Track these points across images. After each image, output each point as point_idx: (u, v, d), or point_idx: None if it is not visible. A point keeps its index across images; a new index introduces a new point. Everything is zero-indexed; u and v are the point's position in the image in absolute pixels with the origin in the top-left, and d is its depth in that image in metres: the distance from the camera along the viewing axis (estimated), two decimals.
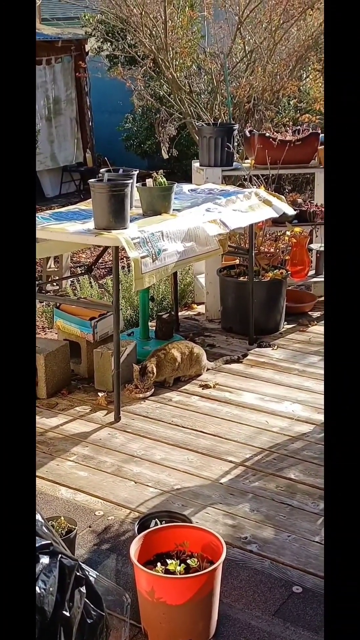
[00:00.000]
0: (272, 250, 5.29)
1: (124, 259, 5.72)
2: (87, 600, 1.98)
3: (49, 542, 1.96)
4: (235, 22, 6.89)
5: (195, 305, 5.86)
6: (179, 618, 2.43)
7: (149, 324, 4.98)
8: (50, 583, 1.85)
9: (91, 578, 2.11)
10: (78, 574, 1.91)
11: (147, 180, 4.22)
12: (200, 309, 5.75)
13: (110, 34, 9.07)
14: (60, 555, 1.92)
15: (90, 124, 12.10)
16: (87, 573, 1.99)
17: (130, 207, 3.97)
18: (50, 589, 1.84)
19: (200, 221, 4.21)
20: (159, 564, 2.50)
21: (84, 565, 2.08)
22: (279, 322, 5.24)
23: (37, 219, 4.12)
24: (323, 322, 5.35)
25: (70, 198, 10.91)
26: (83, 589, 1.95)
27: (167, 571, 2.45)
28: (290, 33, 7.09)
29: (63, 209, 4.57)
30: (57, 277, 6.31)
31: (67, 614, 1.91)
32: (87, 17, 10.60)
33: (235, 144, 5.43)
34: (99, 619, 2.04)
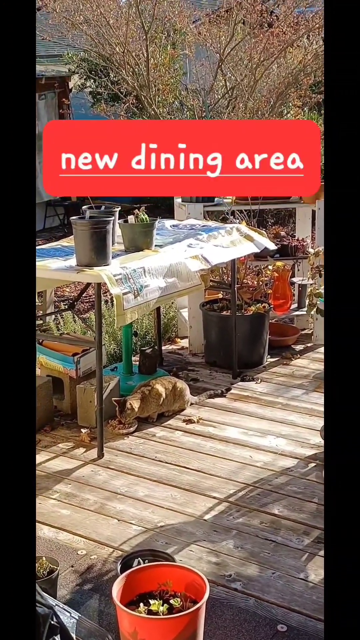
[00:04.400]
0: (254, 284, 5.32)
1: (107, 292, 5.73)
2: None
3: None
4: (217, 60, 7.01)
5: (178, 340, 5.86)
6: None
7: (133, 358, 4.97)
8: None
9: (72, 620, 2.08)
10: (52, 622, 1.87)
11: (129, 216, 4.25)
12: (184, 343, 5.75)
13: (93, 72, 9.18)
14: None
15: None
16: (62, 620, 1.95)
17: (113, 244, 4.00)
18: None
19: (182, 257, 4.23)
20: (141, 604, 2.47)
21: (60, 609, 2.04)
22: (263, 356, 5.25)
23: None
24: (307, 355, 5.38)
25: (54, 232, 10.95)
26: (57, 638, 1.91)
27: (150, 612, 2.42)
28: (270, 70, 7.22)
29: (45, 246, 4.58)
30: (41, 312, 6.30)
31: None
32: (70, 55, 10.73)
33: None
34: None
